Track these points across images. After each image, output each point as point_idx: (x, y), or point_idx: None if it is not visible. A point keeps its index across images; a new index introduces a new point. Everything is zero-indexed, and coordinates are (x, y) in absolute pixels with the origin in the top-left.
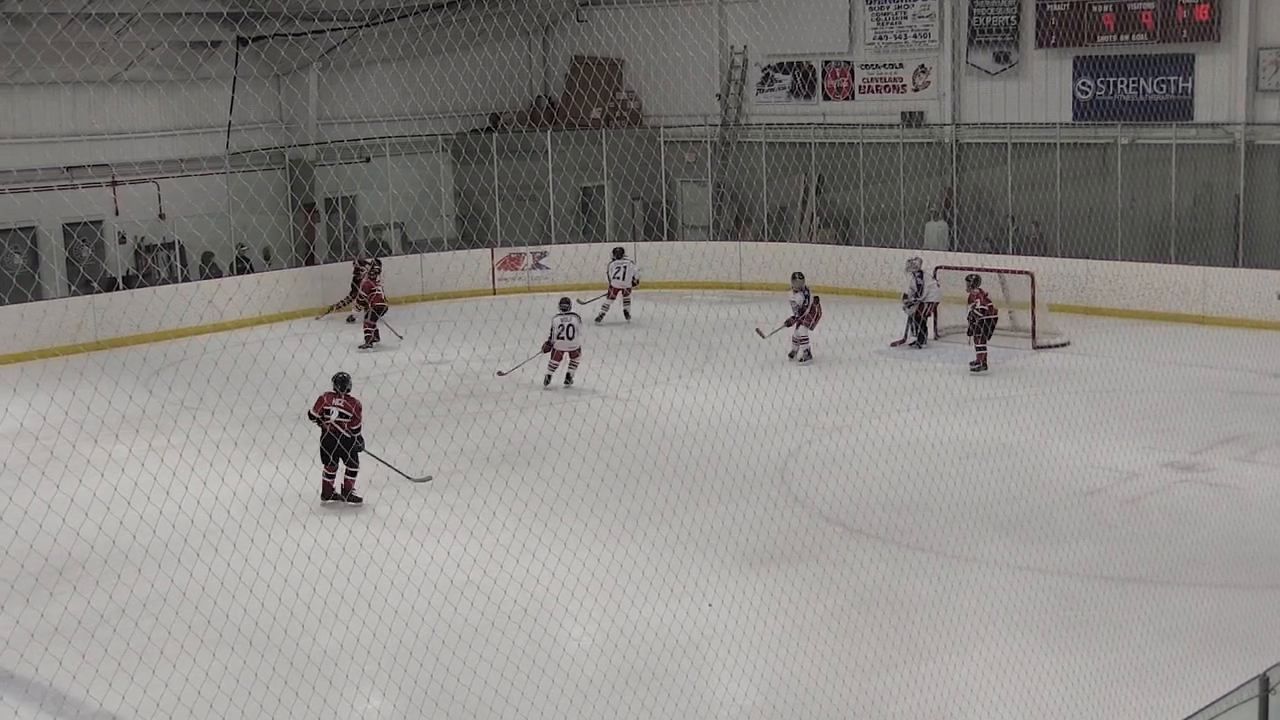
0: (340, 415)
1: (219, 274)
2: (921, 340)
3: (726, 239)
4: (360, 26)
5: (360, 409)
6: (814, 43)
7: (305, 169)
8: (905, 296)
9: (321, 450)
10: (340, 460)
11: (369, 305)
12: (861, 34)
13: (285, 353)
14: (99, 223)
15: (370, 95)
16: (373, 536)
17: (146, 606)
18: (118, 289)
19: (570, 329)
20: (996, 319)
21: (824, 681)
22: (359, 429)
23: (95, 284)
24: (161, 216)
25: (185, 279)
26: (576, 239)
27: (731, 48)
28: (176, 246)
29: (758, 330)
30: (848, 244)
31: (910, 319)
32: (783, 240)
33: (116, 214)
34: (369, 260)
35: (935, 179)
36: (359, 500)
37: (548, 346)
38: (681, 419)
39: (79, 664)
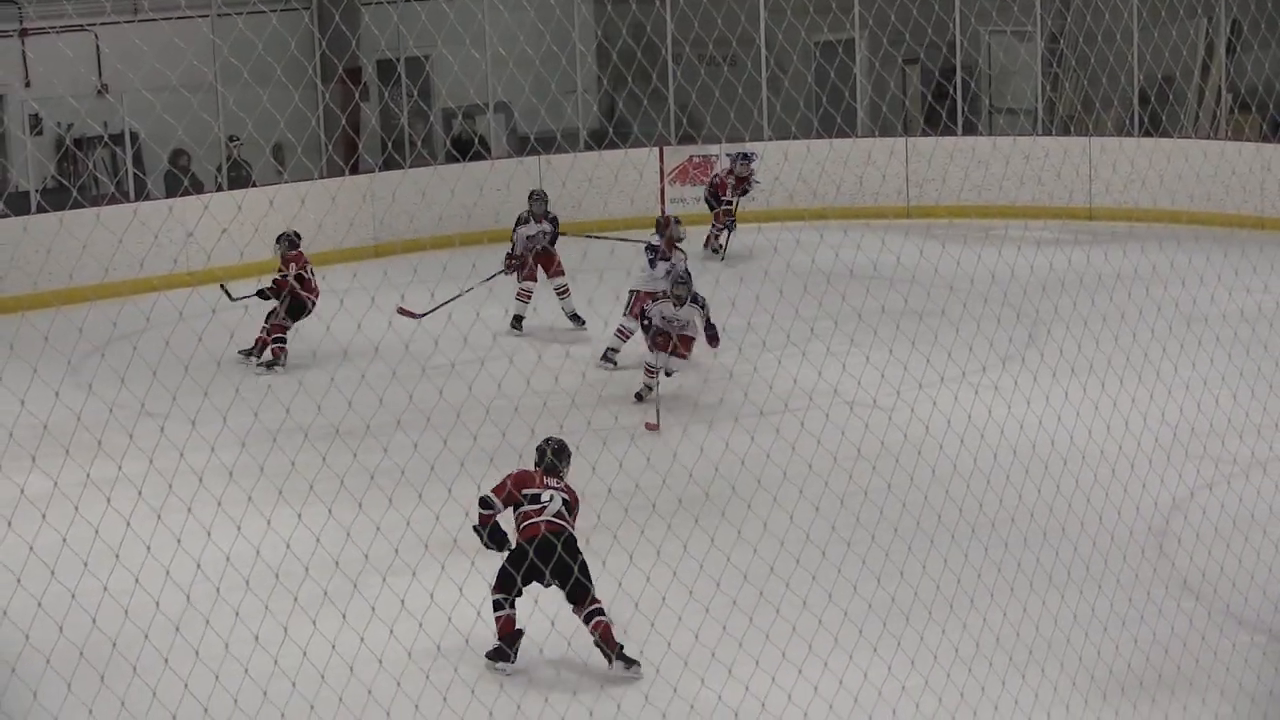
0: (563, 508)
1: (200, 187)
2: None
3: (1067, 133)
4: None
5: (578, 499)
6: None
7: (348, 11)
8: None
9: (509, 570)
10: (554, 583)
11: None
12: None
13: (317, 323)
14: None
15: None
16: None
17: None
18: (30, 211)
19: None
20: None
21: None
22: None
23: None
24: (103, 90)
25: (145, 196)
26: (807, 131)
27: None
28: (128, 139)
29: None
30: None
31: None
32: (1165, 135)
33: (27, 85)
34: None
35: None
36: (630, 660)
37: None
38: (984, 441)
39: None
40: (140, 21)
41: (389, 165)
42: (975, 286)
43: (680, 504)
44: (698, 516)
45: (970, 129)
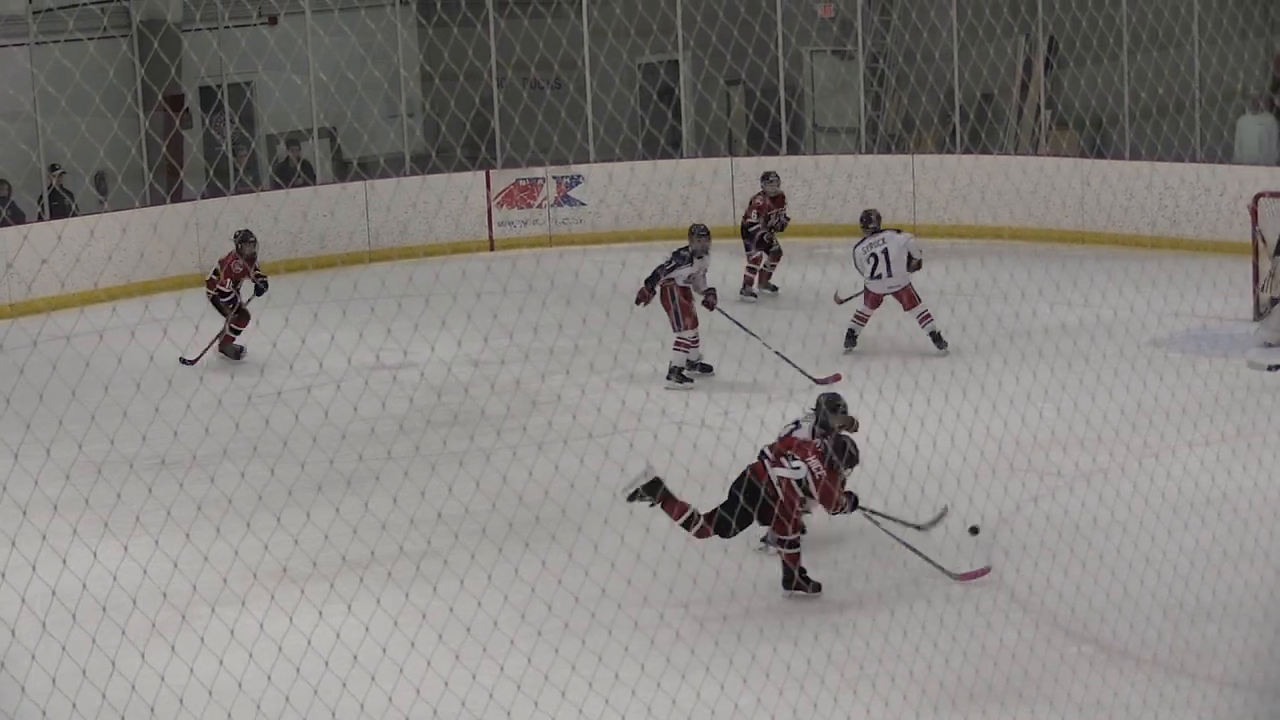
0: (792, 477)
1: (20, 217)
2: None
3: (889, 151)
4: None
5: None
6: None
7: (167, 38)
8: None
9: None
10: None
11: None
12: None
13: (139, 350)
14: None
15: None
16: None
17: None
18: None
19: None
20: None
21: None
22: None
23: None
24: None
25: None
26: (631, 153)
27: None
28: None
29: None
30: (1100, 156)
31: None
32: (986, 152)
33: None
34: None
35: (1259, 41)
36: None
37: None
38: None
39: None
40: None
41: (212, 192)
42: (800, 305)
43: (511, 528)
44: (528, 540)
45: (793, 148)
